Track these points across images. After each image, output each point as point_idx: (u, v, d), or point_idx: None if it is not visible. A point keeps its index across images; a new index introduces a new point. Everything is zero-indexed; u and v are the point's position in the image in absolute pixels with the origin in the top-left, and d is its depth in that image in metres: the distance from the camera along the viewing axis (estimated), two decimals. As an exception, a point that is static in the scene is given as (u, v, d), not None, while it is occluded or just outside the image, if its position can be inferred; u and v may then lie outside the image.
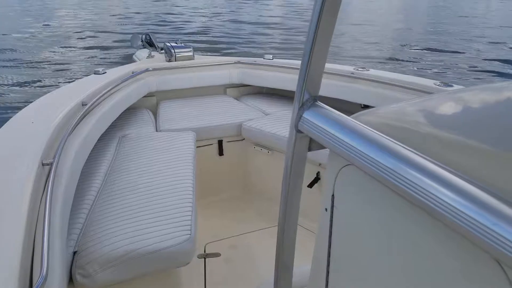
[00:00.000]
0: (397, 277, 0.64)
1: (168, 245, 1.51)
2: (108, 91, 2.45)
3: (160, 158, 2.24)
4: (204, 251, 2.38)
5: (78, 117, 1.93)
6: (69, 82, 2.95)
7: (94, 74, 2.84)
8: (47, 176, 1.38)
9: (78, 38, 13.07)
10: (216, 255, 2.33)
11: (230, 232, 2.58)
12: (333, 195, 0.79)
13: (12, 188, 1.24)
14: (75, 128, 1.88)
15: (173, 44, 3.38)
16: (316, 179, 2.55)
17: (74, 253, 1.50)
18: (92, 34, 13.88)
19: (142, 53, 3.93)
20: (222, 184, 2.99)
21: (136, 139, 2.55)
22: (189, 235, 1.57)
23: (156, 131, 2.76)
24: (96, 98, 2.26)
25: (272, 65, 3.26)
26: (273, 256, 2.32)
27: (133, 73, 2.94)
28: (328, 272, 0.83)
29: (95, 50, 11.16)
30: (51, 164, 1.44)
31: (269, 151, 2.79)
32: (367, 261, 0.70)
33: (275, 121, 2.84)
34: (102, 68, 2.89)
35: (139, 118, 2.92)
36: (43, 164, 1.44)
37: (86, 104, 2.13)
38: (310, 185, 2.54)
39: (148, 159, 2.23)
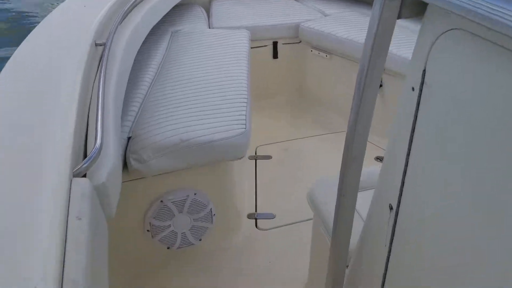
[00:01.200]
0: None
1: (223, 137, 1.47)
2: None
3: (214, 54, 2.14)
4: (255, 153, 2.36)
5: (129, 4, 1.83)
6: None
7: None
8: (101, 56, 1.33)
9: None
10: (267, 157, 2.30)
11: (282, 136, 2.52)
12: (424, 70, 0.66)
13: (66, 65, 1.20)
14: (126, 16, 1.79)
15: None
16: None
17: (129, 139, 1.50)
18: None
19: None
20: (275, 88, 2.88)
21: (189, 34, 2.44)
22: (244, 129, 1.51)
23: (209, 28, 2.62)
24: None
25: None
26: (326, 161, 2.26)
27: None
28: (405, 170, 0.73)
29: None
30: (105, 44, 1.38)
31: (328, 55, 2.60)
32: (465, 148, 0.58)
33: (336, 23, 2.60)
34: None
35: (191, 14, 2.78)
36: (96, 44, 1.38)
37: None
38: None
39: (202, 54, 2.14)
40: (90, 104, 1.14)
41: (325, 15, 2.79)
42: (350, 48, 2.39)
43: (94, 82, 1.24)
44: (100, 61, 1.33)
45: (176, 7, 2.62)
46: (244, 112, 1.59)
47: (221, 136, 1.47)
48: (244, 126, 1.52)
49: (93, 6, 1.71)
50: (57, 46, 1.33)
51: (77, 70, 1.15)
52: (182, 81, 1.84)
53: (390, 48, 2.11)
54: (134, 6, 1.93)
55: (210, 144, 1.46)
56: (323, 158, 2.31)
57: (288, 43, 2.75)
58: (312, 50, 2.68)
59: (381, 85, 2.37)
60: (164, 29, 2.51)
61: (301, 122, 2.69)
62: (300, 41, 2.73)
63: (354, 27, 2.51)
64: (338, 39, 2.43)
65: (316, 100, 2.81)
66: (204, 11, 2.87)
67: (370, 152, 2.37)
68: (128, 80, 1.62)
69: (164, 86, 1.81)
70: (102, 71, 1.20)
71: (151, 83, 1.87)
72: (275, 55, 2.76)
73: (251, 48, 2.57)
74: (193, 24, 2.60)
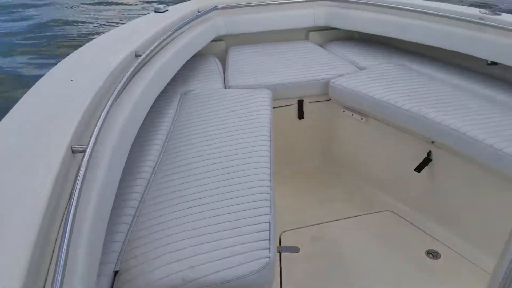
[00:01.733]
0: None
1: (239, 274, 1.07)
2: (168, 36, 1.96)
3: (229, 127, 1.77)
4: (280, 243, 1.95)
5: (127, 75, 1.47)
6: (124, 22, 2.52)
7: (155, 12, 2.36)
8: (79, 165, 0.96)
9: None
10: (295, 250, 1.88)
11: (311, 217, 2.11)
12: None
13: (34, 178, 0.86)
14: (123, 89, 1.43)
15: None
16: (427, 161, 1.95)
17: (115, 273, 1.12)
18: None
19: None
20: (301, 153, 2.49)
21: (201, 96, 2.08)
22: (268, 259, 1.11)
23: (225, 87, 2.26)
24: (154, 46, 1.78)
25: (367, 3, 2.55)
26: (371, 260, 1.83)
27: (198, 12, 2.41)
28: None
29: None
30: (84, 151, 1.01)
31: (363, 118, 2.20)
32: None
33: (373, 78, 2.21)
34: (164, 6, 2.39)
35: (204, 68, 2.43)
36: (73, 151, 1.02)
37: (140, 55, 1.67)
38: (419, 169, 1.96)
39: (216, 127, 1.77)
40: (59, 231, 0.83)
41: (359, 68, 2.40)
42: (390, 113, 1.99)
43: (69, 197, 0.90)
44: (77, 172, 0.97)
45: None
46: (267, 231, 1.19)
47: (237, 273, 1.07)
48: (267, 254, 1.12)
49: (81, 81, 1.36)
50: (29, 151, 0.97)
51: (46, 183, 0.84)
52: (187, 178, 1.45)
53: (449, 121, 1.73)
54: (135, 72, 1.58)
55: (221, 286, 1.06)
56: (364, 249, 1.89)
57: (316, 101, 2.37)
58: (345, 110, 2.28)
59: (430, 160, 1.96)
60: (172, 90, 2.16)
61: (333, 197, 2.27)
62: (330, 99, 2.34)
63: (394, 85, 2.12)
64: (376, 101, 2.04)
65: (350, 170, 2.40)
66: (218, 63, 2.52)
67: (418, 244, 1.93)
68: (119, 182, 1.25)
69: (164, 188, 1.42)
70: (78, 186, 0.86)
71: (147, 184, 1.48)
72: (300, 116, 2.38)
73: (273, 108, 2.20)
74: (206, 82, 2.25)
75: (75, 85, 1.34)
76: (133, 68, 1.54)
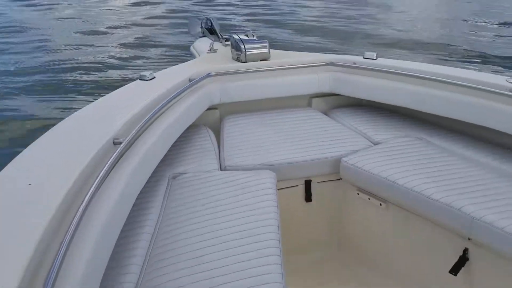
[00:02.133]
0: None
1: None
2: (155, 114, 1.67)
3: (227, 212, 1.48)
4: None
5: (102, 172, 1.15)
6: (104, 93, 2.21)
7: (140, 80, 2.08)
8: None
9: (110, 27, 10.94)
10: None
11: None
12: None
13: None
14: (96, 191, 1.11)
15: (243, 37, 2.51)
16: (463, 261, 1.62)
17: None
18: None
19: (202, 44, 3.08)
20: (309, 241, 2.14)
21: (193, 182, 1.75)
22: None
23: (221, 169, 1.95)
24: (136, 129, 1.48)
25: (376, 69, 2.31)
26: None
27: (190, 80, 2.14)
28: None
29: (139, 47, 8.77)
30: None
31: (383, 203, 1.89)
32: None
33: (390, 157, 1.92)
34: (150, 72, 2.11)
35: (196, 142, 2.12)
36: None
37: (120, 143, 1.37)
38: (454, 271, 1.62)
39: (212, 215, 1.46)
40: None
41: (373, 143, 2.12)
42: (416, 201, 1.69)
43: None
44: None
45: None
46: None
47: None
48: None
49: (41, 185, 1.04)
50: None
51: None
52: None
53: (489, 217, 1.50)
54: (112, 167, 1.26)
55: None
56: None
57: (325, 181, 2.06)
58: (359, 193, 1.97)
59: (467, 259, 1.63)
60: (159, 173, 1.83)
61: None
62: (341, 178, 2.03)
63: (417, 166, 1.83)
64: (399, 187, 1.73)
65: (366, 263, 2.05)
66: (212, 135, 2.22)
67: None
68: None
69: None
70: None
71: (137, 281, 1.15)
72: (308, 198, 2.06)
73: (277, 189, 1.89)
74: (199, 162, 1.93)
75: (35, 189, 1.03)
76: (109, 161, 1.23)
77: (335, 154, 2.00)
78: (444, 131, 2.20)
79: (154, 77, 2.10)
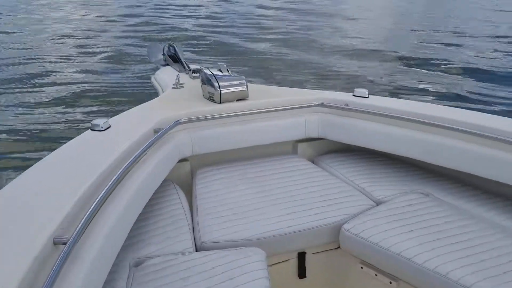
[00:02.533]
0: None
1: None
2: (108, 191, 1.28)
3: None
4: None
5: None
6: (39, 155, 1.78)
7: (91, 130, 1.68)
8: None
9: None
10: None
11: None
12: None
13: None
14: None
15: (216, 72, 2.15)
16: None
17: None
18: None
19: (165, 75, 2.68)
20: None
21: (161, 271, 1.36)
22: None
23: (196, 248, 1.57)
24: (82, 222, 1.09)
25: (372, 112, 2.01)
26: None
27: (154, 131, 1.76)
28: None
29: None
30: None
31: (393, 282, 1.56)
32: None
33: (398, 223, 1.60)
34: (104, 121, 1.71)
35: (163, 210, 1.73)
36: None
37: (64, 243, 0.98)
38: None
39: None
40: None
41: (376, 202, 1.81)
42: (438, 285, 1.37)
43: None
44: None
45: None
46: None
47: None
48: None
49: None
50: None
51: None
52: None
53: None
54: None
55: None
56: None
57: (321, 251, 1.72)
58: (363, 267, 1.64)
59: None
60: (117, 260, 1.43)
61: None
62: (339, 247, 1.70)
63: (430, 234, 1.52)
64: (415, 267, 1.42)
65: None
66: (183, 197, 1.83)
67: None
68: None
69: None
70: None
71: None
72: (301, 274, 1.71)
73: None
74: (166, 240, 1.54)
75: None
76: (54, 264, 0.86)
77: (333, 219, 1.66)
78: (450, 182, 1.93)
79: (109, 126, 1.71)
